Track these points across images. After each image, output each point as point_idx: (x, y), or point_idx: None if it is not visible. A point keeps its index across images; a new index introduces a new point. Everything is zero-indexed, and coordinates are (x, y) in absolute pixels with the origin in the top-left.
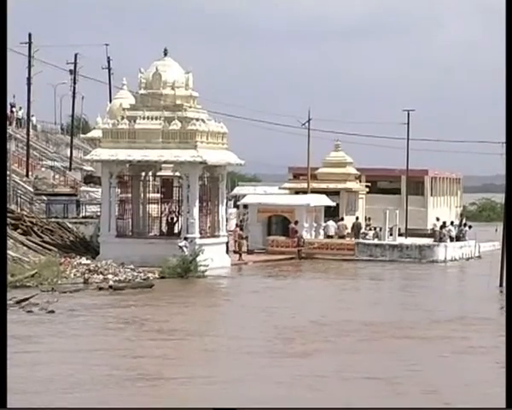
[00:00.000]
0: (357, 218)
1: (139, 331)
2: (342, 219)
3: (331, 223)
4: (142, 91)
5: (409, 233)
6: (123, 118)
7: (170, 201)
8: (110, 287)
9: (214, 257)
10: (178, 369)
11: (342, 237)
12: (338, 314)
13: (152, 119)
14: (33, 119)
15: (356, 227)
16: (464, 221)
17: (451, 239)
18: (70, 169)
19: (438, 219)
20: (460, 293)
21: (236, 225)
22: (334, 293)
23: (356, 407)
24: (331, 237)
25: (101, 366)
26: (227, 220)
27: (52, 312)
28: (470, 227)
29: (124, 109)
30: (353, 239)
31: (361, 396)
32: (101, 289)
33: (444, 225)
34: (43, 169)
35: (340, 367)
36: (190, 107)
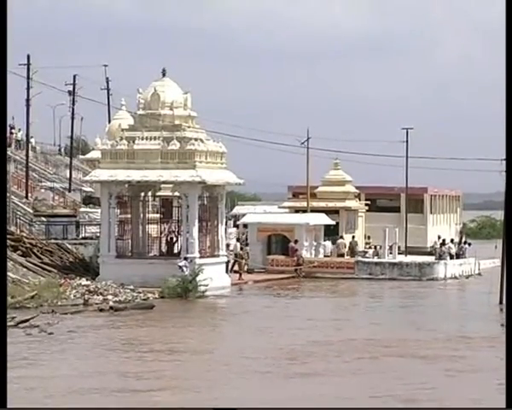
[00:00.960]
0: (353, 237)
1: (140, 352)
2: (342, 237)
3: (327, 243)
4: (141, 112)
5: (408, 251)
6: (122, 138)
7: (169, 221)
8: (111, 308)
9: (214, 277)
10: (178, 389)
11: (341, 255)
12: (340, 333)
13: (151, 139)
14: (32, 140)
15: (352, 246)
16: (464, 239)
17: (451, 257)
18: (69, 190)
19: (439, 237)
20: (460, 311)
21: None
22: (335, 312)
23: (358, 407)
24: (328, 256)
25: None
26: (227, 240)
27: (51, 334)
28: (470, 244)
29: (122, 130)
30: (349, 258)
31: None
32: (101, 310)
33: (443, 243)
34: (42, 190)
35: (344, 388)
36: (189, 127)
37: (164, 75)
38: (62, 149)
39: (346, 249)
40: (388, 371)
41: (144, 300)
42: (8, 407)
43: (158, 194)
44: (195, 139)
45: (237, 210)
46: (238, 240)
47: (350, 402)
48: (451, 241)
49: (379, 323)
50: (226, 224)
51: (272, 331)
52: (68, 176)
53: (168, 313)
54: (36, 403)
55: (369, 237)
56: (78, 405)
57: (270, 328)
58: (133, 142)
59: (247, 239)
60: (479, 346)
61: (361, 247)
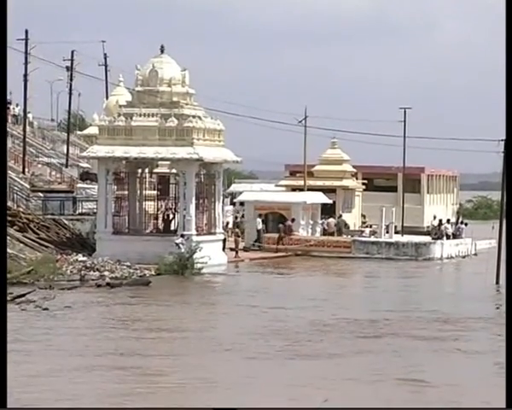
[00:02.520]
0: (340, 215)
1: (136, 330)
2: (340, 215)
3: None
4: (139, 88)
5: (405, 231)
6: (119, 115)
7: (166, 198)
8: (108, 284)
9: (211, 254)
10: (178, 368)
11: (331, 234)
12: (336, 313)
13: (148, 116)
14: (30, 115)
15: (339, 226)
16: (461, 219)
17: (448, 237)
18: (66, 166)
19: (435, 217)
20: (456, 292)
21: (234, 223)
22: (331, 291)
23: (358, 407)
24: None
25: (97, 365)
26: (224, 218)
27: (46, 309)
28: (466, 224)
29: (120, 106)
30: (346, 237)
31: (398, 398)
32: (99, 286)
33: (440, 223)
34: (39, 166)
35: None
36: (187, 104)
37: (162, 52)
38: (60, 125)
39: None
40: (385, 352)
41: (141, 276)
42: (8, 407)
43: (155, 171)
44: (193, 116)
45: (234, 188)
46: (237, 218)
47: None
48: (448, 221)
49: (376, 303)
50: (223, 202)
51: (268, 311)
52: (65, 152)
53: (165, 290)
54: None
55: (364, 217)
56: (54, 383)
57: (267, 307)
58: (131, 118)
59: (243, 217)
60: (474, 327)
61: (357, 226)
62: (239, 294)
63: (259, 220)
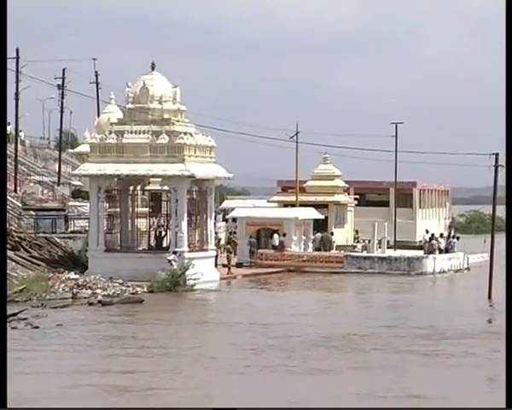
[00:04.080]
0: (331, 233)
1: (128, 347)
2: (332, 233)
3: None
4: (130, 106)
5: (398, 245)
6: (111, 132)
7: (158, 215)
8: (99, 302)
9: (203, 271)
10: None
11: (317, 249)
12: (329, 328)
13: (140, 133)
14: (21, 134)
15: (323, 240)
16: (453, 233)
17: (440, 251)
18: (58, 184)
19: (427, 232)
20: (449, 307)
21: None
22: (324, 307)
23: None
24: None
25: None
26: (216, 234)
27: (37, 327)
28: (458, 238)
29: (111, 124)
30: (338, 252)
31: None
32: (91, 304)
33: (432, 237)
34: (31, 184)
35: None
36: (178, 121)
37: (153, 69)
38: (52, 143)
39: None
40: (378, 367)
41: (133, 294)
42: (8, 407)
43: (147, 188)
44: (184, 133)
45: (226, 204)
46: (231, 233)
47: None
48: (440, 235)
49: (368, 318)
50: (215, 218)
51: (262, 327)
52: (57, 170)
53: (157, 308)
54: None
55: (357, 232)
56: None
57: (261, 324)
58: (122, 136)
59: (235, 233)
60: (469, 342)
61: (350, 241)
62: (230, 312)
63: (252, 240)
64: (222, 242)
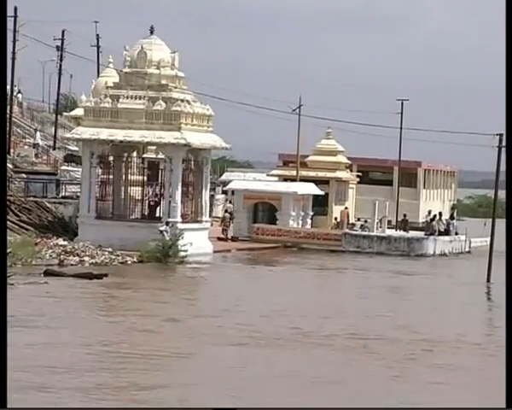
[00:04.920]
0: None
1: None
2: (405, 215)
3: None
4: (127, 70)
5: (399, 226)
6: (106, 96)
7: (155, 183)
8: (45, 273)
9: (196, 243)
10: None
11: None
12: (319, 322)
13: (136, 98)
14: (19, 96)
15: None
16: (455, 215)
17: (440, 233)
18: (54, 148)
19: (429, 213)
20: (446, 297)
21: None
22: (317, 288)
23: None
24: None
25: None
26: (212, 206)
27: None
28: (453, 219)
29: (107, 87)
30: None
31: None
32: (46, 273)
33: (433, 219)
34: (26, 147)
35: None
36: (176, 87)
37: (152, 33)
38: (51, 107)
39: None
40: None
41: (122, 263)
42: (8, 407)
43: (145, 156)
44: (182, 100)
45: (226, 176)
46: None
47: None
48: (440, 214)
49: (360, 304)
50: (215, 190)
51: (242, 309)
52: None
53: (121, 285)
54: None
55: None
56: None
57: (241, 306)
58: (117, 100)
59: (231, 203)
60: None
61: (351, 219)
62: (217, 288)
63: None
64: (219, 213)
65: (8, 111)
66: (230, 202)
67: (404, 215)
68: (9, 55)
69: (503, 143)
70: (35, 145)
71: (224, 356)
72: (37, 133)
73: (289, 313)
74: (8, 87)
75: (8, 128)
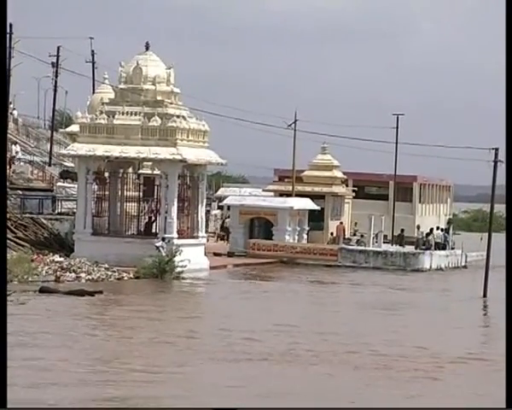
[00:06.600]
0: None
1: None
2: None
3: None
4: (122, 86)
5: (395, 240)
6: (101, 112)
7: (150, 199)
8: (40, 290)
9: (192, 258)
10: None
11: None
12: (313, 338)
13: (131, 114)
14: (15, 112)
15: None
16: (451, 230)
17: (437, 245)
18: (50, 164)
19: (418, 228)
20: (444, 312)
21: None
22: (313, 305)
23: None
24: None
25: None
26: (207, 221)
27: None
28: (442, 230)
29: (103, 104)
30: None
31: None
32: (42, 291)
33: (430, 233)
34: (21, 164)
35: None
36: (171, 103)
37: (147, 49)
38: (46, 123)
39: None
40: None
41: (118, 279)
42: (8, 407)
43: (141, 171)
44: (177, 116)
45: (222, 192)
46: (223, 222)
47: None
48: (438, 228)
49: (352, 325)
50: (210, 205)
51: (237, 328)
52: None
53: (118, 301)
54: None
55: (355, 224)
56: None
57: (238, 322)
58: (113, 116)
59: (228, 218)
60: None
61: (347, 234)
62: (213, 303)
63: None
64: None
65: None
66: (228, 217)
67: (402, 230)
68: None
69: (499, 158)
70: (12, 158)
71: (220, 372)
72: (17, 146)
73: (286, 329)
74: None
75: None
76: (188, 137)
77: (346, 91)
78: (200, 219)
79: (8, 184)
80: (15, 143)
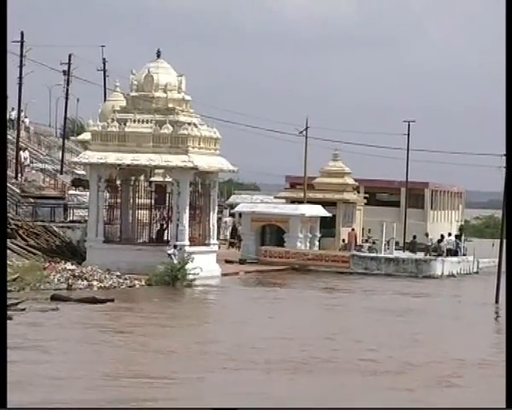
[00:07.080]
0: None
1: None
2: (414, 237)
3: None
4: (134, 93)
5: (407, 247)
6: (113, 120)
7: (162, 207)
8: (52, 297)
9: (204, 266)
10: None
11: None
12: (324, 346)
13: (143, 122)
14: (26, 120)
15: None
16: (462, 235)
17: (449, 251)
18: (61, 172)
19: (427, 235)
20: (456, 319)
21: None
22: (326, 312)
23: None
24: None
25: None
26: (219, 228)
27: None
28: (460, 239)
29: (114, 112)
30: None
31: None
32: (53, 298)
33: (441, 240)
34: (33, 172)
35: None
36: (182, 111)
37: (158, 56)
38: (58, 131)
39: None
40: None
41: (130, 287)
42: (8, 407)
43: (152, 179)
44: (189, 124)
45: (234, 199)
46: (234, 229)
47: None
48: (449, 235)
49: (366, 331)
50: (222, 212)
51: (249, 335)
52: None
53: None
54: None
55: (369, 231)
56: None
57: (249, 331)
58: (124, 124)
59: (239, 225)
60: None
61: (358, 240)
62: (225, 311)
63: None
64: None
65: (15, 136)
66: (239, 224)
67: (414, 236)
68: (16, 80)
69: None
70: (43, 170)
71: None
72: (25, 152)
73: (299, 335)
74: (16, 112)
75: (15, 152)
76: (199, 144)
77: (358, 98)
78: (211, 226)
79: (19, 191)
80: (24, 150)
